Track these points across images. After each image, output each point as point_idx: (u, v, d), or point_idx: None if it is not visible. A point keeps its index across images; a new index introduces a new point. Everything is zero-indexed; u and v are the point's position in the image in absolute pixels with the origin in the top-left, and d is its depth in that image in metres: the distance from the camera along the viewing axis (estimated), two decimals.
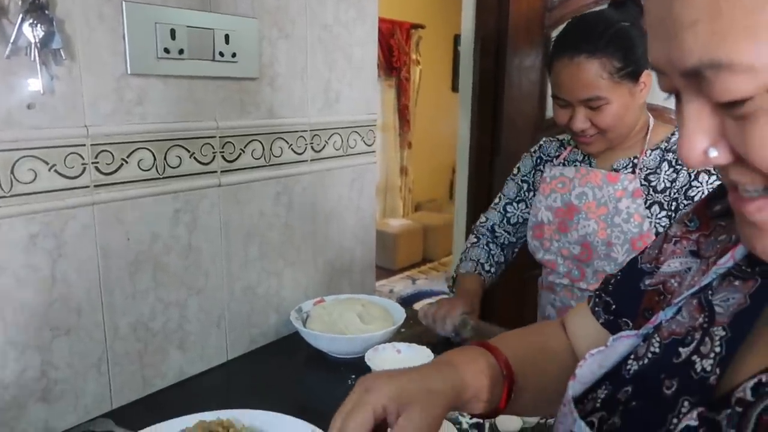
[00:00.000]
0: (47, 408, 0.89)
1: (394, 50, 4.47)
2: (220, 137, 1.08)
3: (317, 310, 1.22)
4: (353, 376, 1.09)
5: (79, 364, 0.92)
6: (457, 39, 4.88)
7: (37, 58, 0.81)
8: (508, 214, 1.35)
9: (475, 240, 1.37)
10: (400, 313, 1.23)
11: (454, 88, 5.00)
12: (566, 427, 0.49)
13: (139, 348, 1.00)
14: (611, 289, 0.64)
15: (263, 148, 1.17)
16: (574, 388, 0.52)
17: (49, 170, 0.86)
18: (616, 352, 0.53)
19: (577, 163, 1.22)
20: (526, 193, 1.32)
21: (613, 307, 0.62)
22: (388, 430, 0.53)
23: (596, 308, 0.64)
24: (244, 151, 1.13)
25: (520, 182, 1.34)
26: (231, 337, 1.15)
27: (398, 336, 1.18)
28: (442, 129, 4.99)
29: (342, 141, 1.35)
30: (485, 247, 1.35)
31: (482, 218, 1.40)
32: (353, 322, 1.16)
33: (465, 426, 0.93)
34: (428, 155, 5.06)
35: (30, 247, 0.84)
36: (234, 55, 1.08)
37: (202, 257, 1.08)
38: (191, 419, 0.77)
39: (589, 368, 0.53)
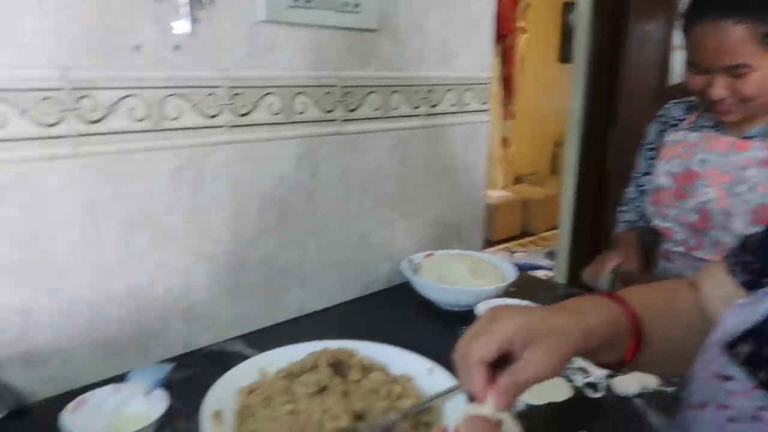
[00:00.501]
0: (188, 326, 0.97)
1: (500, 17, 4.33)
2: (341, 86, 1.11)
3: (428, 262, 1.24)
4: (463, 327, 1.10)
5: (215, 289, 1.00)
6: (566, 7, 4.66)
7: (185, 0, 0.87)
8: (643, 188, 1.31)
9: (624, 208, 1.36)
10: (510, 271, 1.22)
11: (561, 58, 4.79)
12: (712, 372, 0.47)
13: (265, 281, 1.07)
14: (753, 248, 0.60)
15: (381, 101, 1.18)
16: (719, 334, 0.50)
17: (192, 109, 0.92)
18: (763, 307, 0.50)
19: (704, 129, 1.15)
20: (652, 161, 1.27)
21: (757, 266, 0.59)
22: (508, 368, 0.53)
23: (734, 268, 0.61)
24: (363, 102, 1.15)
25: (647, 152, 1.29)
26: (346, 280, 1.20)
27: (507, 294, 1.17)
28: (547, 101, 4.81)
29: (457, 97, 1.34)
30: (634, 210, 1.33)
31: (626, 192, 1.37)
32: (464, 276, 1.17)
33: (579, 384, 0.91)
34: (531, 127, 4.91)
35: (176, 178, 0.92)
36: (357, 5, 1.10)
37: (322, 202, 1.12)
38: (317, 345, 0.81)
39: (734, 320, 0.51)
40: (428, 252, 1.29)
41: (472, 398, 0.53)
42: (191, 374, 0.90)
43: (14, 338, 0.81)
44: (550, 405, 0.86)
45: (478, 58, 1.37)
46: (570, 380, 0.92)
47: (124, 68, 0.84)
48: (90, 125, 0.82)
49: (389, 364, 0.81)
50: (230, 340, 1.02)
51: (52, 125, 0.79)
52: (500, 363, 0.53)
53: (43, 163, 0.79)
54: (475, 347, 0.52)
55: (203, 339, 1.00)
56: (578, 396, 0.89)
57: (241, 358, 0.93)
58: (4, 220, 0.78)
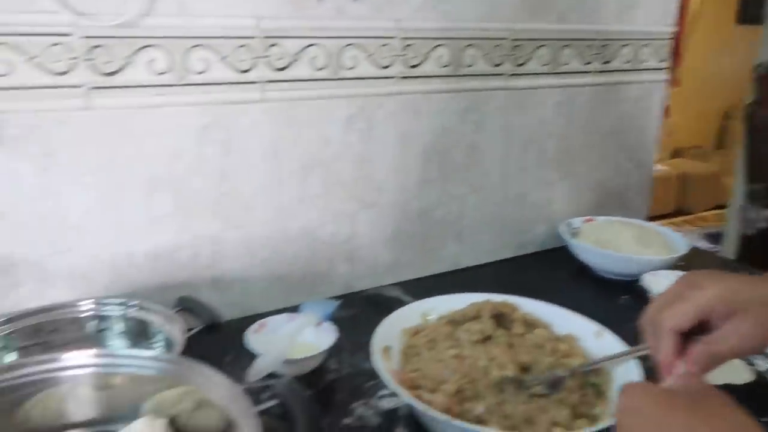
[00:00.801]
0: (350, 269, 1.03)
1: None
2: (511, 40, 1.08)
3: (588, 227, 1.19)
4: (625, 297, 1.05)
5: (376, 235, 1.03)
6: None
7: None
8: None
9: None
10: (681, 243, 1.13)
11: (741, 19, 4.24)
12: None
13: (423, 232, 1.09)
14: None
15: (551, 55, 1.13)
16: None
17: (367, 59, 0.94)
18: None
19: None
20: None
21: None
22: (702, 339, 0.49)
23: None
24: (532, 57, 1.11)
25: None
26: (501, 238, 1.19)
27: (676, 268, 1.09)
28: (719, 67, 4.31)
29: (633, 53, 1.24)
30: None
31: None
32: (628, 244, 1.10)
33: (762, 369, 0.83)
34: (697, 96, 4.43)
35: (348, 126, 0.96)
36: None
37: (483, 157, 1.11)
38: (480, 297, 0.82)
39: None
40: (588, 217, 1.23)
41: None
42: (353, 313, 0.95)
43: (206, 264, 0.91)
44: (728, 386, 0.79)
45: (660, 9, 1.25)
46: (751, 363, 0.84)
47: (309, 18, 0.88)
48: (277, 72, 0.88)
49: (552, 323, 0.80)
50: (388, 285, 1.06)
51: (245, 71, 0.86)
52: (693, 332, 0.49)
53: (236, 106, 0.86)
54: (669, 314, 0.49)
55: (363, 282, 1.05)
56: (761, 381, 0.81)
57: (399, 303, 0.96)
58: (204, 158, 0.86)
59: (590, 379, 0.68)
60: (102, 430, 0.58)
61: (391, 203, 1.03)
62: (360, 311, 0.96)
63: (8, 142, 0.74)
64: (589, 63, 1.18)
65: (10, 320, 0.75)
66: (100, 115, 0.78)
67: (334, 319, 0.87)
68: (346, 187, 0.99)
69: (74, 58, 0.74)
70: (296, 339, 0.82)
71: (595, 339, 0.76)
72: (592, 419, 0.63)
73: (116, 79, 0.77)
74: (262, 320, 0.85)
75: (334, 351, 0.82)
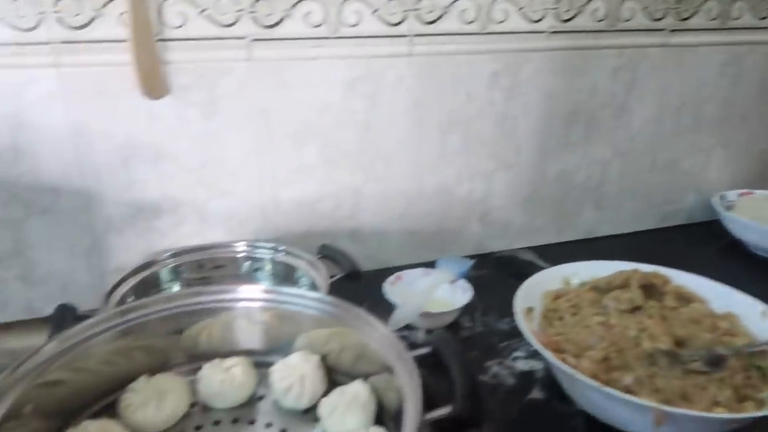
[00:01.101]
0: (483, 229, 1.02)
1: None
2: None
3: (745, 201, 1.09)
4: None
5: (512, 197, 1.01)
6: None
7: None
8: None
9: None
10: None
11: None
12: None
13: (560, 197, 1.05)
14: None
15: (720, 8, 1.02)
16: None
17: (518, 12, 0.91)
18: None
19: None
20: None
21: None
22: None
23: None
24: (699, 10, 1.01)
25: None
26: (644, 207, 1.12)
27: None
28: None
29: None
30: None
31: None
32: None
33: None
34: None
35: (491, 83, 0.93)
36: None
37: (633, 119, 1.04)
38: (627, 265, 0.78)
39: None
40: (745, 190, 1.12)
41: None
42: (485, 273, 0.94)
43: (346, 216, 0.94)
44: None
45: None
46: None
47: None
48: (426, 26, 0.87)
49: (709, 299, 0.74)
50: (520, 249, 1.04)
51: (395, 24, 0.85)
52: None
53: (385, 60, 0.87)
54: None
55: (495, 244, 1.03)
56: None
57: (534, 267, 0.95)
58: (351, 110, 0.88)
59: (756, 361, 0.63)
60: (260, 360, 0.62)
61: (529, 164, 1.00)
62: (492, 272, 0.95)
63: (178, 91, 0.80)
64: (764, 18, 1.05)
65: (176, 255, 0.82)
66: (259, 66, 0.82)
67: (467, 277, 0.87)
68: (486, 145, 0.97)
69: (240, 10, 0.78)
70: (432, 293, 0.83)
71: (761, 319, 0.70)
72: (759, 403, 0.58)
73: (276, 32, 0.80)
74: (399, 273, 0.86)
75: (467, 309, 0.82)
